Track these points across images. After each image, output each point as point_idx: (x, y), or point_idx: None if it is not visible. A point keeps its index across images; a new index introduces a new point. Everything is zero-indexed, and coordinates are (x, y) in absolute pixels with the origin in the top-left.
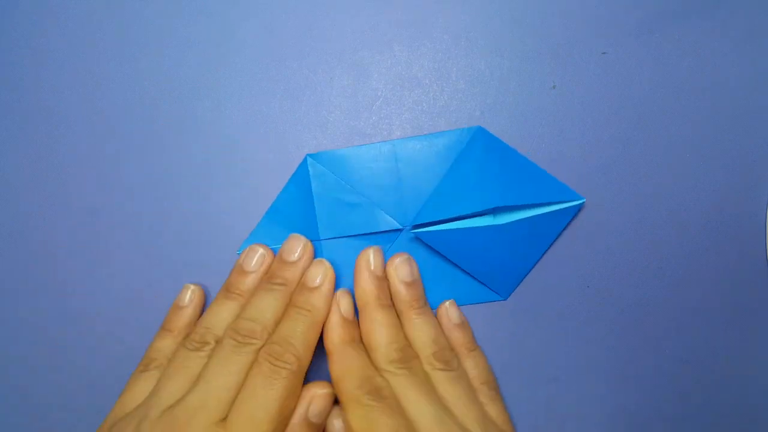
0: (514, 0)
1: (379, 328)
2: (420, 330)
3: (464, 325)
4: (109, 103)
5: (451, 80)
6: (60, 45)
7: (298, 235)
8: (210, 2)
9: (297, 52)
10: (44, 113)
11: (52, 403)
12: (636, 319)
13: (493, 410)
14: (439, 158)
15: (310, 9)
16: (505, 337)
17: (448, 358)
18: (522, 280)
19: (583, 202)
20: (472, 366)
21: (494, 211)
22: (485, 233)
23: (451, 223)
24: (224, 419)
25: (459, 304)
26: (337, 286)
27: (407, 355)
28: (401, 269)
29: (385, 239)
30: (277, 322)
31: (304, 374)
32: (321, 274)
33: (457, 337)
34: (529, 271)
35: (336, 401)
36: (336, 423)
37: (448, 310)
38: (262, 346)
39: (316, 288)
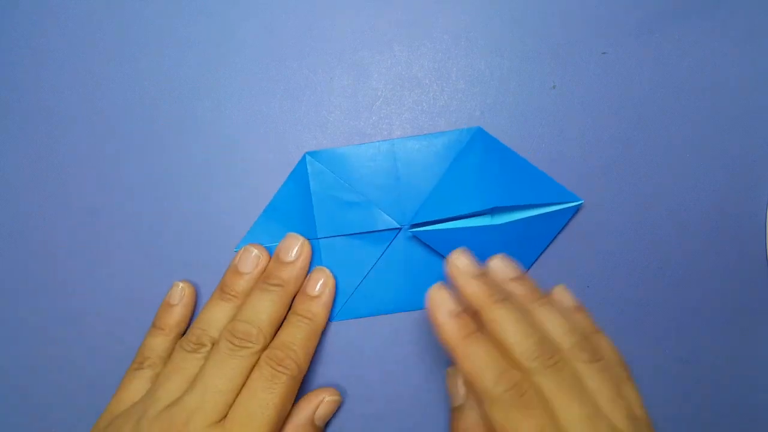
0: (514, 0)
1: (503, 327)
2: (550, 322)
3: (582, 308)
4: (109, 103)
5: (451, 80)
6: (60, 45)
7: (295, 234)
8: (210, 2)
9: (297, 52)
10: (44, 113)
11: (52, 403)
12: (636, 319)
13: (630, 393)
14: (437, 158)
15: (310, 9)
16: None
17: (593, 346)
18: None
19: (581, 203)
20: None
21: (492, 211)
22: (483, 233)
23: (449, 222)
24: (222, 420)
25: None
26: (336, 286)
27: (549, 348)
28: (502, 269)
29: (383, 238)
30: (273, 324)
31: (301, 380)
32: (321, 282)
33: (578, 321)
34: (526, 271)
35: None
36: (458, 390)
37: (563, 296)
38: (259, 349)
39: (316, 296)
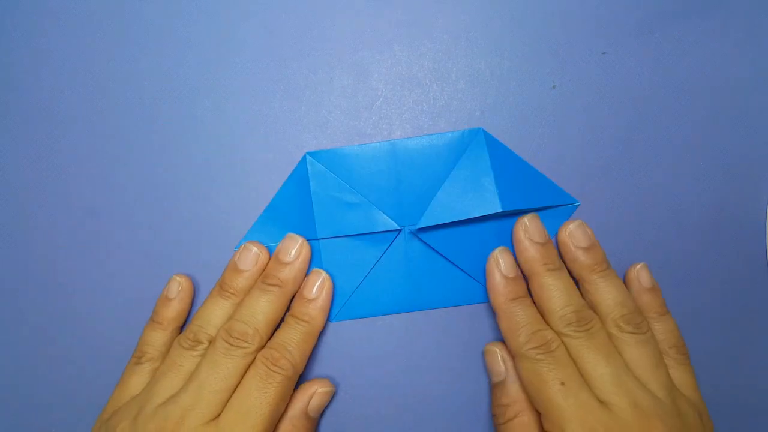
0: (514, 0)
1: (550, 293)
2: (606, 293)
3: (655, 288)
4: (109, 103)
5: (451, 80)
6: (60, 45)
7: (295, 234)
8: (210, 2)
9: (297, 52)
10: (44, 113)
11: (52, 402)
12: None
13: (679, 374)
14: (438, 159)
15: (310, 9)
16: None
17: (638, 321)
18: None
19: (578, 205)
20: (661, 330)
21: (494, 215)
22: (484, 233)
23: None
24: (216, 418)
25: (458, 303)
26: (334, 288)
27: (585, 317)
28: (576, 235)
29: (383, 239)
30: (270, 325)
31: (296, 380)
32: (318, 284)
33: (647, 301)
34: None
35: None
36: (499, 366)
37: (639, 274)
38: (255, 349)
39: (313, 299)
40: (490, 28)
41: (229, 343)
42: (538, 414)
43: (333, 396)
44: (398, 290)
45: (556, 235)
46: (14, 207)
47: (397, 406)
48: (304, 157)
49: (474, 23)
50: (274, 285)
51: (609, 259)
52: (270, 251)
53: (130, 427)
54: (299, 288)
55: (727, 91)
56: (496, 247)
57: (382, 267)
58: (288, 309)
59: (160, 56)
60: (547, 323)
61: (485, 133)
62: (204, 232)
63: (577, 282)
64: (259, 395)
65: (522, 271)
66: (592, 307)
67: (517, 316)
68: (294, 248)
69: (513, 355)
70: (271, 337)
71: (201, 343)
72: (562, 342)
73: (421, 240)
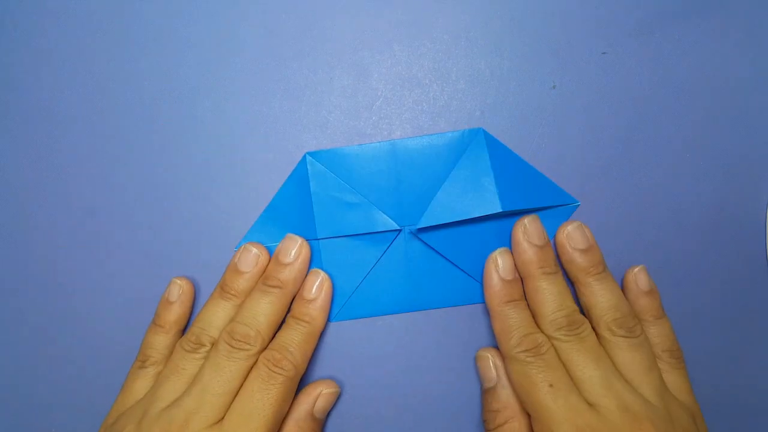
0: (514, 0)
1: (544, 296)
2: (600, 296)
3: (653, 291)
4: (109, 103)
5: (451, 80)
6: (60, 45)
7: (294, 235)
8: (210, 2)
9: (297, 52)
10: (44, 113)
11: (52, 403)
12: None
13: (673, 378)
14: (438, 160)
15: (310, 9)
16: None
17: (631, 325)
18: None
19: (578, 205)
20: (656, 333)
21: (494, 215)
22: (484, 233)
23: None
24: (220, 421)
25: (458, 303)
26: (334, 288)
27: (575, 321)
28: (574, 237)
29: (383, 239)
30: (272, 326)
31: (298, 381)
32: (317, 284)
33: (644, 304)
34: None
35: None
36: (490, 372)
37: (637, 276)
38: (257, 351)
39: (313, 299)
40: (490, 28)
41: (232, 346)
42: (529, 420)
43: (339, 399)
44: (398, 290)
45: (554, 235)
46: (14, 207)
47: (397, 406)
48: (304, 157)
49: (474, 23)
50: (274, 286)
51: (608, 259)
52: (270, 251)
53: (134, 431)
54: (299, 290)
55: (727, 91)
56: (496, 247)
57: (382, 267)
58: (289, 310)
59: (160, 56)
60: (539, 326)
61: (485, 133)
62: (204, 233)
63: (572, 283)
64: (261, 397)
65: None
66: (586, 309)
67: (510, 319)
68: (294, 249)
69: (504, 357)
70: (272, 338)
71: (203, 345)
72: (553, 345)
73: (421, 240)
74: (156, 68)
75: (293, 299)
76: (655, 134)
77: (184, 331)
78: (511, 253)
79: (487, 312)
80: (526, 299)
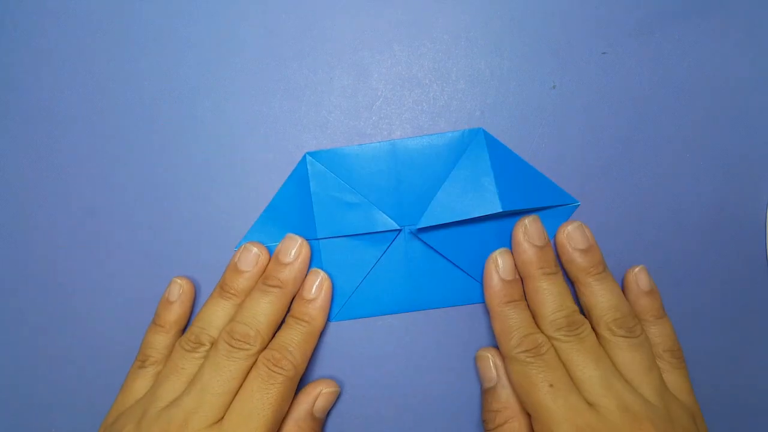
0: (514, 0)
1: (544, 297)
2: (600, 296)
3: (653, 291)
4: (109, 103)
5: (451, 80)
6: (60, 45)
7: (294, 235)
8: (210, 2)
9: (297, 52)
10: (44, 113)
11: (52, 403)
12: None
13: (674, 378)
14: (438, 160)
15: (310, 9)
16: None
17: (631, 325)
18: None
19: (578, 205)
20: (657, 333)
21: (494, 215)
22: (484, 233)
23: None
24: (219, 421)
25: (458, 303)
26: (334, 288)
27: (575, 322)
28: (574, 237)
29: (383, 239)
30: (271, 326)
31: (298, 381)
32: (317, 284)
33: (645, 304)
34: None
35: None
36: (490, 372)
37: (638, 276)
38: (257, 351)
39: (313, 299)
40: (490, 28)
41: (231, 345)
42: (529, 420)
43: (339, 399)
44: (398, 290)
45: (554, 235)
46: (14, 207)
47: (397, 406)
48: (304, 157)
49: (474, 23)
50: (274, 286)
51: (608, 259)
52: (270, 251)
53: (134, 431)
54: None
55: (727, 91)
56: (496, 247)
57: (382, 267)
58: (289, 310)
59: (160, 56)
60: (539, 326)
61: (485, 133)
62: (204, 232)
63: (572, 283)
64: (261, 397)
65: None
66: (587, 309)
67: (511, 319)
68: (294, 248)
69: (503, 358)
70: (272, 338)
71: (203, 345)
72: (553, 346)
73: (421, 240)
74: (156, 68)
75: (293, 299)
76: (655, 134)
77: (184, 331)
78: (512, 254)
79: (487, 312)
80: (526, 299)
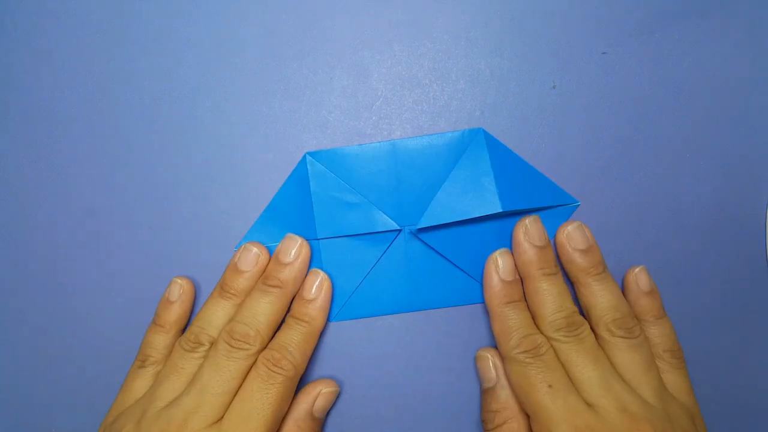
0: (514, 0)
1: (543, 297)
2: (600, 296)
3: (653, 292)
4: (109, 103)
5: (451, 80)
6: (60, 45)
7: (294, 235)
8: (210, 2)
9: (297, 52)
10: (44, 113)
11: (52, 403)
12: None
13: (674, 379)
14: (439, 160)
15: (310, 9)
16: None
17: (630, 325)
18: None
19: (578, 205)
20: (657, 333)
21: (494, 215)
22: (484, 233)
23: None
24: (219, 421)
25: (458, 303)
26: (334, 288)
27: (575, 323)
28: (574, 237)
29: (383, 239)
30: (271, 326)
31: (297, 381)
32: (316, 285)
33: (645, 305)
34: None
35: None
36: (490, 373)
37: (638, 277)
38: (256, 351)
39: (313, 299)
40: (490, 28)
41: (231, 345)
42: (528, 420)
43: (338, 399)
44: (398, 290)
45: (554, 235)
46: (14, 207)
47: (397, 406)
48: (304, 157)
49: (474, 23)
50: (274, 286)
51: (608, 259)
52: (270, 251)
53: (133, 431)
54: (298, 290)
55: (727, 91)
56: (496, 247)
57: (382, 267)
58: (289, 310)
59: (160, 56)
60: (538, 327)
61: (485, 133)
62: (204, 232)
63: (572, 283)
64: (260, 397)
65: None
66: (586, 309)
67: (510, 320)
68: (294, 248)
69: (503, 358)
70: (272, 338)
71: (202, 344)
72: (552, 346)
73: (421, 240)
74: (156, 68)
75: (293, 299)
76: (655, 134)
77: (184, 331)
78: (512, 254)
79: (487, 312)
80: (525, 300)
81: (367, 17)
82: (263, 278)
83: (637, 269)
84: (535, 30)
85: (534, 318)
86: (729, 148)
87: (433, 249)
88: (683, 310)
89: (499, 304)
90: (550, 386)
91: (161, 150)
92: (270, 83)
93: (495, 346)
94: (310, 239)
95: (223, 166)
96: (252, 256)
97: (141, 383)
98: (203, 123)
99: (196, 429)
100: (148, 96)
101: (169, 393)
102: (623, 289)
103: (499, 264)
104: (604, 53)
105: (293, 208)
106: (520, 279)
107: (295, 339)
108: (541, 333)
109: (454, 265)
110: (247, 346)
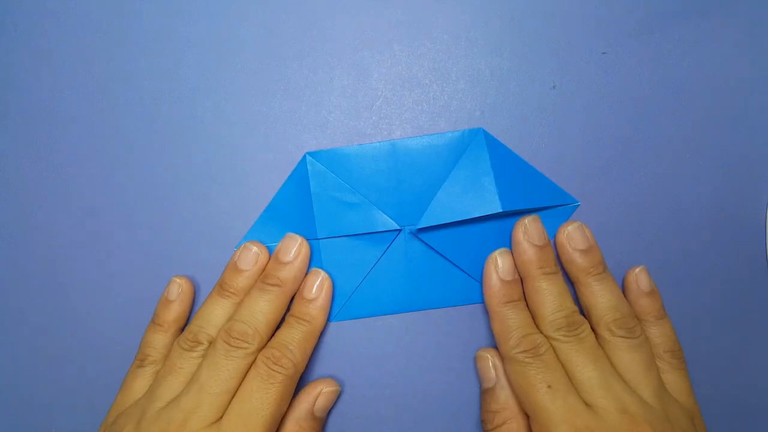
0: (514, 0)
1: (543, 297)
2: (600, 296)
3: (654, 292)
4: (109, 103)
5: (451, 80)
6: (60, 45)
7: (294, 234)
8: (210, 2)
9: (297, 52)
10: (44, 113)
11: (52, 403)
12: None
13: (674, 379)
14: (439, 159)
15: (310, 9)
16: None
17: (631, 325)
18: None
19: (578, 205)
20: (657, 334)
21: (494, 215)
22: (484, 233)
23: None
24: (218, 421)
25: (458, 303)
26: (334, 288)
27: (575, 322)
28: (574, 237)
29: (383, 239)
30: (270, 325)
31: (297, 380)
32: (317, 284)
33: (645, 305)
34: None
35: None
36: (489, 373)
37: (638, 277)
38: (255, 350)
39: (313, 299)
40: (490, 28)
41: (229, 344)
42: (527, 420)
43: (339, 398)
44: (398, 290)
45: (554, 235)
46: (14, 207)
47: (397, 406)
48: (304, 157)
49: (474, 23)
50: (273, 285)
51: (608, 259)
52: (270, 251)
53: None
54: (299, 288)
55: (727, 91)
56: (496, 247)
57: (382, 267)
58: (288, 309)
59: (160, 56)
60: (538, 326)
61: (485, 133)
62: (204, 232)
63: (572, 283)
64: (260, 396)
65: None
66: (586, 309)
67: (510, 320)
68: (293, 248)
69: (502, 358)
70: (271, 337)
71: (201, 343)
72: (552, 346)
73: (421, 240)
74: (156, 68)
75: (292, 298)
76: (655, 134)
77: (183, 330)
78: (511, 254)
79: (487, 312)
80: (525, 300)
81: (367, 17)
82: (262, 277)
83: (637, 269)
84: (535, 30)
85: (534, 318)
86: (729, 148)
87: (433, 249)
88: (683, 310)
89: (499, 304)
90: (549, 386)
91: (161, 150)
92: (270, 83)
93: (495, 347)
94: (310, 239)
95: (223, 166)
96: (252, 255)
97: (140, 383)
98: (203, 123)
99: (195, 429)
100: (148, 96)
101: (168, 393)
102: (623, 290)
103: (499, 264)
104: (604, 53)
105: (293, 208)
106: (520, 279)
107: (295, 338)
108: (541, 333)
109: (454, 265)
110: (246, 345)
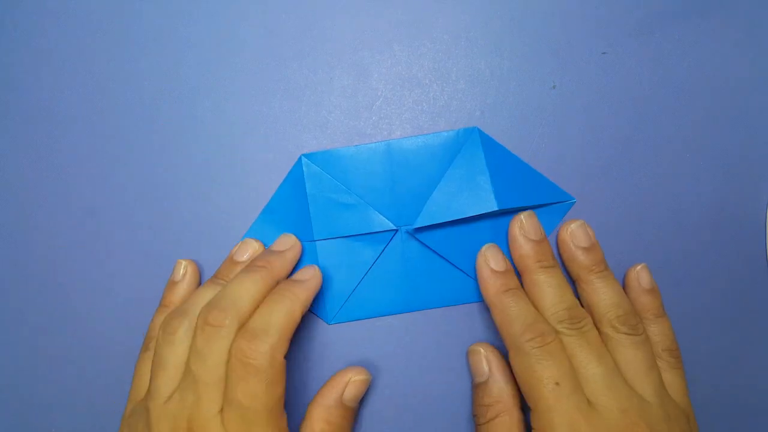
0: (514, 0)
1: (543, 290)
2: (603, 293)
3: (654, 290)
4: (109, 103)
5: (451, 80)
6: (60, 45)
7: (290, 234)
8: (210, 2)
9: (297, 52)
10: (44, 113)
11: (52, 403)
12: None
13: (671, 378)
14: (434, 159)
15: (310, 9)
16: None
17: (633, 322)
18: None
19: (574, 202)
20: (656, 332)
21: (490, 213)
22: (480, 232)
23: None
24: (221, 410)
25: (456, 303)
26: (332, 290)
27: (577, 315)
28: (577, 235)
29: (380, 240)
30: (251, 302)
31: (281, 362)
32: (308, 272)
33: (645, 302)
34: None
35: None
36: (482, 367)
37: (639, 274)
38: (237, 328)
39: (303, 281)
40: (490, 28)
41: (203, 330)
42: (520, 414)
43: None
44: (396, 291)
45: (552, 232)
46: (14, 207)
47: (397, 406)
48: (300, 158)
49: (474, 23)
50: (260, 266)
51: (609, 259)
52: None
53: (145, 430)
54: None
55: (727, 91)
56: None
57: (379, 267)
58: None
59: (160, 56)
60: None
61: (480, 132)
62: (204, 232)
63: (574, 282)
64: (247, 386)
65: (516, 269)
66: (588, 307)
67: (510, 308)
68: (287, 243)
69: (508, 349)
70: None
71: (178, 329)
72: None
73: (418, 240)
74: (156, 68)
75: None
76: (655, 134)
77: None
78: (499, 247)
79: (486, 310)
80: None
81: (367, 17)
82: (251, 262)
83: (638, 267)
84: (535, 30)
85: None
86: (729, 148)
87: (430, 248)
88: (683, 310)
89: (496, 294)
90: (557, 384)
91: (161, 150)
92: (270, 83)
93: (490, 342)
94: (307, 241)
95: (223, 166)
96: (249, 249)
97: (148, 367)
98: (203, 123)
99: (201, 422)
100: (148, 96)
101: (164, 386)
102: (624, 288)
103: (488, 256)
104: (604, 53)
105: (290, 209)
106: (516, 272)
107: (275, 316)
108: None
109: (452, 264)
110: (222, 326)
